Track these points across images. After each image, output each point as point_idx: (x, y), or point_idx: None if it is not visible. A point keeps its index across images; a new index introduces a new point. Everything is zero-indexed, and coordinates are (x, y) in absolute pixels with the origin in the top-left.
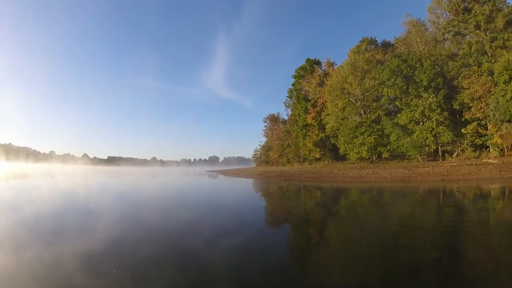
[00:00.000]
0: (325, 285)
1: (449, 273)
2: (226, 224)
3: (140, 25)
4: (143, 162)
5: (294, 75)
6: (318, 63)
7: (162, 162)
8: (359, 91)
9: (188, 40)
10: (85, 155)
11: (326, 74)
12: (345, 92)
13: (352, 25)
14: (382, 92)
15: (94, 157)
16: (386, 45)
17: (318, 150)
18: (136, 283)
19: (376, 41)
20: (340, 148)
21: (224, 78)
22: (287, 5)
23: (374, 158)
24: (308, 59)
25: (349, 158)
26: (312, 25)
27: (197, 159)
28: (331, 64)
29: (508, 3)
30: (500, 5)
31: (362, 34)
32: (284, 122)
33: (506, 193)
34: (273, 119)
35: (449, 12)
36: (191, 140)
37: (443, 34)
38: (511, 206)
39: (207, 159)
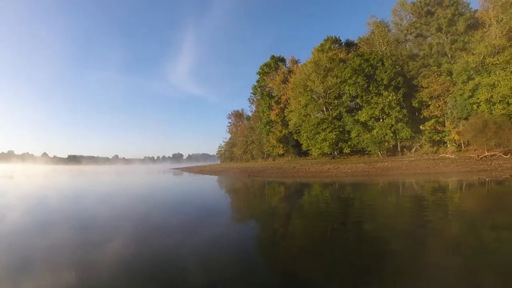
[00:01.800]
0: (292, 276)
1: (409, 259)
2: (190, 222)
3: (104, 14)
4: (106, 161)
5: (259, 71)
6: (282, 60)
7: (125, 160)
8: (322, 88)
9: (155, 31)
10: (45, 154)
11: (290, 71)
12: (308, 89)
13: (321, 23)
14: (344, 90)
15: (54, 156)
16: (349, 45)
17: (282, 146)
18: None
19: (340, 40)
20: (302, 144)
21: (191, 72)
22: None
23: (336, 153)
24: (273, 56)
25: (311, 154)
26: (285, 20)
27: (160, 157)
28: (295, 62)
29: (471, 8)
30: (463, 10)
31: (331, 32)
32: (248, 118)
33: (463, 185)
34: (238, 116)
35: (412, 14)
36: (155, 137)
37: (405, 36)
38: (468, 197)
39: (171, 156)
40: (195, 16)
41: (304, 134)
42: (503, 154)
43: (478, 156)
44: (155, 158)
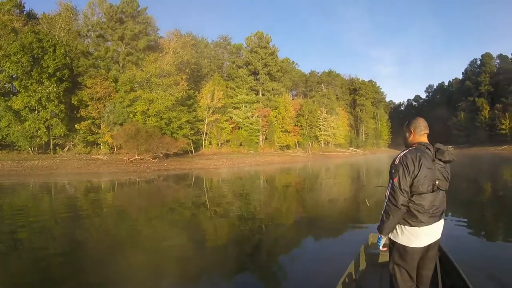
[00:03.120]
0: None
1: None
2: None
3: None
4: None
5: None
6: None
7: None
8: None
9: None
10: None
11: None
12: None
13: None
14: (4, 66)
15: None
16: (31, 16)
17: None
18: None
19: (24, 7)
20: None
21: None
22: None
23: None
24: None
25: None
26: None
27: None
28: None
29: (158, 33)
30: (150, 31)
31: None
32: None
33: (116, 184)
34: None
35: (105, 14)
36: None
37: (88, 31)
38: (120, 196)
39: None
40: None
41: None
42: (152, 159)
43: (129, 159)
44: None
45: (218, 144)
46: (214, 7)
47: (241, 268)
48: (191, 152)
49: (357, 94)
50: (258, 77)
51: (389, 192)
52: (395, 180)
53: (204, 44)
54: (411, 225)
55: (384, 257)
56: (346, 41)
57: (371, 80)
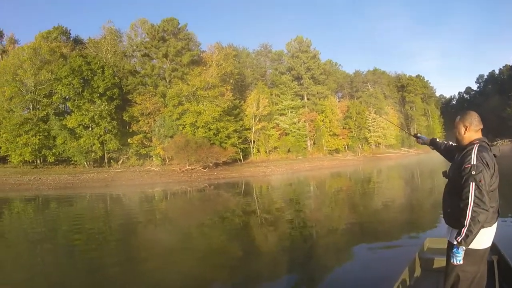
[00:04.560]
0: None
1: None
2: None
3: None
4: None
5: None
6: (0, 34)
7: None
8: (33, 82)
9: None
10: None
11: (4, 51)
12: (17, 79)
13: (54, 9)
14: (57, 89)
15: None
16: (77, 41)
17: None
18: None
19: (70, 33)
20: (1, 147)
21: None
22: None
23: (39, 162)
24: None
25: (11, 161)
26: None
27: None
28: (14, 41)
29: (200, 48)
30: (193, 47)
31: (63, 21)
32: None
33: (169, 194)
34: None
35: (147, 34)
36: None
37: (133, 51)
38: (173, 204)
39: None
40: None
41: (4, 135)
42: (202, 168)
43: (180, 170)
44: None
45: (266, 151)
46: (251, 17)
47: (292, 275)
48: (240, 160)
49: (405, 91)
50: (301, 82)
51: (475, 196)
52: (481, 181)
53: (246, 54)
54: (483, 226)
55: (439, 263)
56: (387, 37)
57: (418, 75)
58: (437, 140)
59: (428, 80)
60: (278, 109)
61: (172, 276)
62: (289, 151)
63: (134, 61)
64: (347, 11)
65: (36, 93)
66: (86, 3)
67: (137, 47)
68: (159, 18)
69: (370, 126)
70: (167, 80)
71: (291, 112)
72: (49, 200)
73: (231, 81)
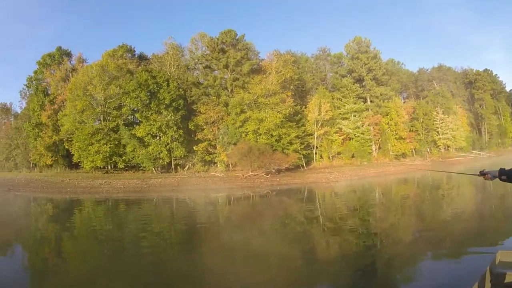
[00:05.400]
0: None
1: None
2: None
3: None
4: None
5: (40, 61)
6: (69, 55)
7: None
8: (102, 96)
9: None
10: None
11: (73, 70)
12: (87, 94)
13: (118, 29)
14: (125, 102)
15: None
16: (142, 58)
17: (50, 155)
18: None
19: (134, 51)
20: (74, 154)
21: None
22: None
23: (110, 168)
24: (60, 47)
25: (83, 167)
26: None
27: None
28: (82, 60)
29: (259, 56)
30: (252, 56)
31: (126, 39)
32: (16, 116)
33: (232, 199)
34: (3, 111)
35: (207, 47)
36: None
37: (195, 64)
38: (235, 209)
39: None
40: None
41: (77, 144)
42: (265, 174)
43: (243, 175)
44: None
45: (329, 157)
46: (307, 22)
47: (352, 286)
48: (303, 166)
49: (473, 88)
50: (363, 83)
51: None
52: None
53: (305, 59)
54: None
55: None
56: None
57: (486, 69)
58: (506, 169)
59: (496, 74)
60: (340, 113)
61: (232, 277)
62: (353, 156)
63: (197, 73)
64: (403, 6)
65: (106, 106)
66: (146, 22)
67: (198, 59)
68: (216, 31)
69: (438, 127)
70: (229, 90)
71: (354, 115)
72: (118, 202)
73: (292, 87)
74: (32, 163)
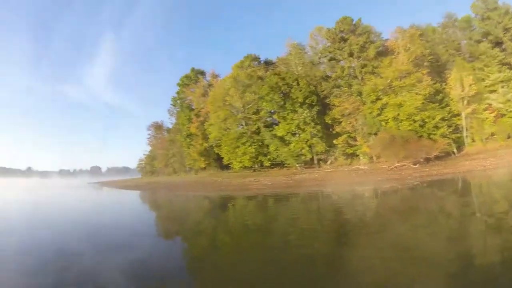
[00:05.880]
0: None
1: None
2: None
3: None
4: (17, 173)
5: (179, 83)
6: (202, 73)
7: (41, 173)
8: (241, 104)
9: (71, 34)
10: None
11: (209, 85)
12: (227, 104)
13: (243, 39)
14: (262, 106)
15: None
16: (268, 63)
17: (203, 159)
18: None
19: (259, 58)
20: (223, 157)
21: (109, 79)
22: (182, 4)
23: (257, 166)
24: (193, 68)
25: (233, 167)
26: (205, 30)
27: (77, 170)
28: (215, 76)
29: (382, 37)
30: (374, 38)
31: (250, 49)
32: (168, 130)
33: (379, 193)
34: (157, 127)
35: (327, 39)
36: (70, 149)
37: (320, 58)
38: (383, 203)
39: (88, 169)
40: (115, 20)
41: (225, 148)
42: (412, 165)
43: (389, 167)
44: (71, 171)
45: (482, 140)
46: None
47: None
48: (453, 153)
49: None
50: (503, 46)
51: None
52: None
53: (431, 30)
54: None
55: None
56: None
57: None
58: None
59: None
60: (486, 86)
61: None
62: (509, 137)
63: (323, 67)
64: None
65: (245, 111)
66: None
67: (321, 53)
68: (332, 22)
69: None
70: (359, 78)
71: (503, 87)
72: (267, 197)
73: (425, 63)
74: (188, 167)
